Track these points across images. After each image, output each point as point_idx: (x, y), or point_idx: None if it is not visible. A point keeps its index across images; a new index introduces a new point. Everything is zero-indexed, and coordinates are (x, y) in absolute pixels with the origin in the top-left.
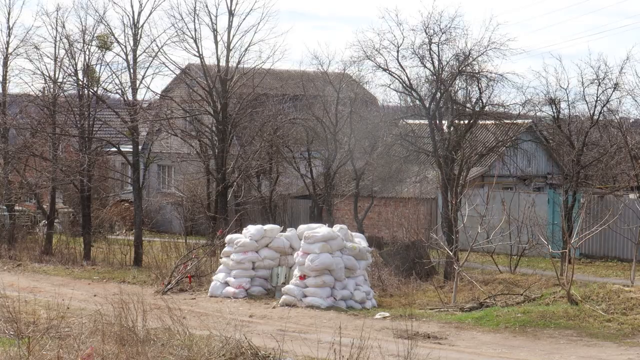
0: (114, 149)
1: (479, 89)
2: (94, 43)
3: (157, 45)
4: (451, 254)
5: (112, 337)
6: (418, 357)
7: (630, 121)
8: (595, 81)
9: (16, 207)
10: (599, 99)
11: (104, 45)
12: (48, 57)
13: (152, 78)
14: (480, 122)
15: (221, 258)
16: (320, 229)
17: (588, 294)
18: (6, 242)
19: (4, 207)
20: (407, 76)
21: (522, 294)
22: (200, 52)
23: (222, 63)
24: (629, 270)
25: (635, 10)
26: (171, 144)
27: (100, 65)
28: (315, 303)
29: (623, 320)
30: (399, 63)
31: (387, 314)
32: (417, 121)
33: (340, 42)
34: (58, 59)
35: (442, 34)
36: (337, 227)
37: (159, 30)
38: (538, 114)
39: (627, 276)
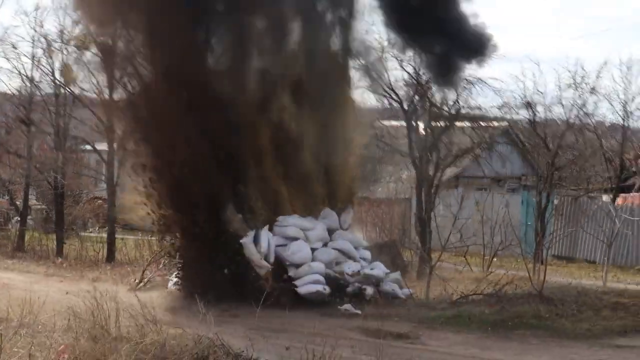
0: (89, 147)
1: (456, 92)
2: (71, 43)
3: None
4: (424, 254)
5: (84, 335)
6: (390, 357)
7: (607, 125)
8: (572, 85)
9: None
10: (575, 102)
11: (82, 45)
12: (26, 56)
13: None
14: (457, 125)
15: None
16: (292, 218)
17: (560, 295)
18: None
19: None
20: (388, 78)
21: (494, 294)
22: None
23: None
24: (601, 271)
25: (613, 16)
26: None
27: (78, 65)
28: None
29: (594, 321)
30: (383, 65)
31: (359, 311)
32: (393, 122)
33: None
34: (35, 58)
35: None
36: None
37: None
38: (514, 117)
39: (598, 277)
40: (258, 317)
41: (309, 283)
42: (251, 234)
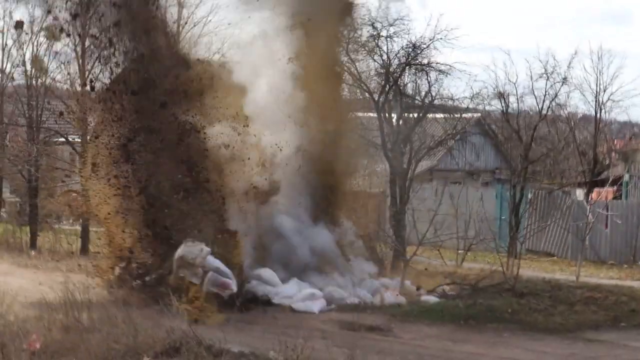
0: (62, 139)
1: (428, 81)
2: (42, 34)
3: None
4: (400, 247)
5: (56, 325)
6: (363, 349)
7: (579, 117)
8: (544, 75)
9: None
10: (547, 93)
11: (52, 36)
12: None
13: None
14: (430, 116)
15: None
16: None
17: (533, 289)
18: None
19: None
20: (356, 69)
21: (467, 287)
22: None
23: None
24: (574, 266)
25: (581, 6)
26: None
27: (49, 56)
28: None
29: (567, 315)
30: (349, 56)
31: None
32: (365, 114)
33: None
34: (6, 49)
35: (390, 26)
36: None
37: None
38: (487, 107)
39: (572, 272)
40: (231, 310)
41: (303, 300)
42: (200, 245)
